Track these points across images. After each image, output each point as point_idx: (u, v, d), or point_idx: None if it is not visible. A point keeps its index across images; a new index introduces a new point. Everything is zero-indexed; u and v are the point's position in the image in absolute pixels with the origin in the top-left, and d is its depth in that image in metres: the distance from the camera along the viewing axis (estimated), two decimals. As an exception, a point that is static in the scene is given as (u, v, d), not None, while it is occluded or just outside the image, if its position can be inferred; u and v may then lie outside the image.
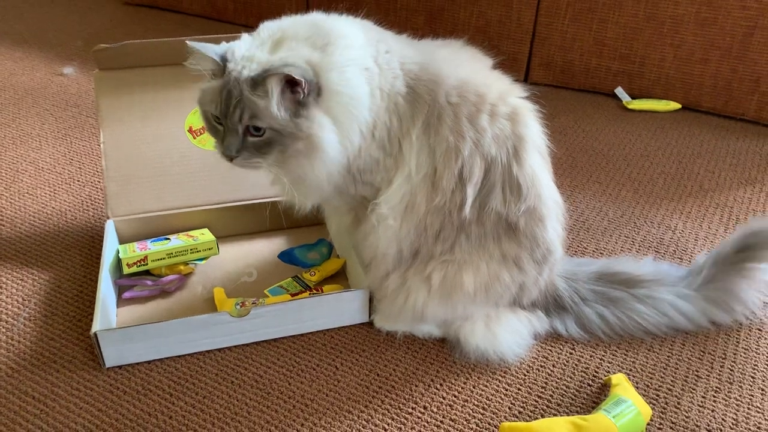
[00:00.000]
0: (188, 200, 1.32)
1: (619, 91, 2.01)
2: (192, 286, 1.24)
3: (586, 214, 1.49)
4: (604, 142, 1.79)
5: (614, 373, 1.08)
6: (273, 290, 1.21)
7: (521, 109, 1.02)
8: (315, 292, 1.19)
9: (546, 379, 1.07)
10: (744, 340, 1.14)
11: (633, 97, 2.01)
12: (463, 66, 1.03)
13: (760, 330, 1.16)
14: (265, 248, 1.33)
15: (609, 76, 2.03)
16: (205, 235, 1.27)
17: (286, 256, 1.27)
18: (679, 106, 1.96)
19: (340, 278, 1.26)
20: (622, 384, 1.02)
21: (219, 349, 1.10)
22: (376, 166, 1.02)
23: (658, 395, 1.05)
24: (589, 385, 1.06)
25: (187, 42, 0.95)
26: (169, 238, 1.26)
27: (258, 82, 0.91)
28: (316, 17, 1.02)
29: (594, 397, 1.04)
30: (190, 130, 1.33)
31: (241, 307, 1.11)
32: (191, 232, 1.29)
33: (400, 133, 1.00)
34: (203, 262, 1.26)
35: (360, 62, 0.97)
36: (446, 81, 0.99)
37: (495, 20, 2.09)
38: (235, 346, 1.11)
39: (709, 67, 1.89)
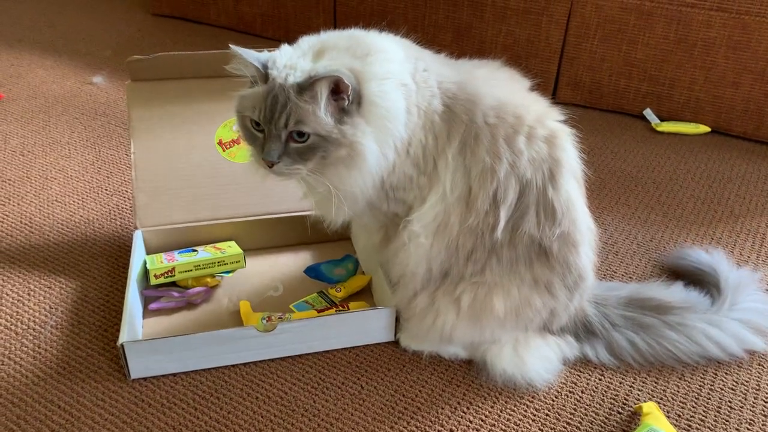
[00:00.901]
0: (216, 212, 1.32)
1: (648, 113, 1.99)
2: (218, 299, 1.24)
3: (614, 237, 1.47)
4: (632, 164, 1.77)
5: (645, 401, 1.06)
6: (298, 305, 1.20)
7: (559, 132, 1.01)
8: (340, 308, 1.18)
9: (575, 405, 1.05)
10: (778, 371, 1.12)
11: (662, 120, 1.99)
12: (501, 87, 1.02)
13: (795, 361, 1.14)
14: (291, 262, 1.33)
15: (638, 97, 2.01)
16: (232, 248, 1.27)
17: (312, 272, 1.26)
18: (709, 129, 1.94)
19: (365, 295, 1.25)
20: (653, 413, 1.00)
21: (244, 364, 1.10)
22: (409, 184, 1.01)
23: (690, 426, 1.02)
24: (619, 412, 1.04)
25: (231, 46, 0.96)
26: (196, 250, 1.26)
27: (304, 87, 0.91)
28: (356, 32, 1.02)
29: (624, 425, 1.02)
30: (219, 143, 1.34)
31: (267, 321, 1.10)
32: (218, 245, 1.29)
33: (435, 151, 0.99)
34: (230, 275, 1.26)
35: (398, 77, 0.97)
36: (484, 101, 0.99)
37: (523, 39, 2.09)
38: (260, 361, 1.10)
39: (741, 91, 1.86)
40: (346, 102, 0.93)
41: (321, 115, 0.92)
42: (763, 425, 1.02)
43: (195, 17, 2.67)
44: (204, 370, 1.08)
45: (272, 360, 1.11)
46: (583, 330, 1.13)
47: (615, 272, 1.36)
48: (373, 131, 0.95)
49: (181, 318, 1.19)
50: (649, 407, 1.01)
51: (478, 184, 0.98)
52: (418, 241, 1.01)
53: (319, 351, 1.12)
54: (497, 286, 1.02)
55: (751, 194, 1.65)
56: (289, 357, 1.11)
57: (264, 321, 1.11)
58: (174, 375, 1.07)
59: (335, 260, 1.29)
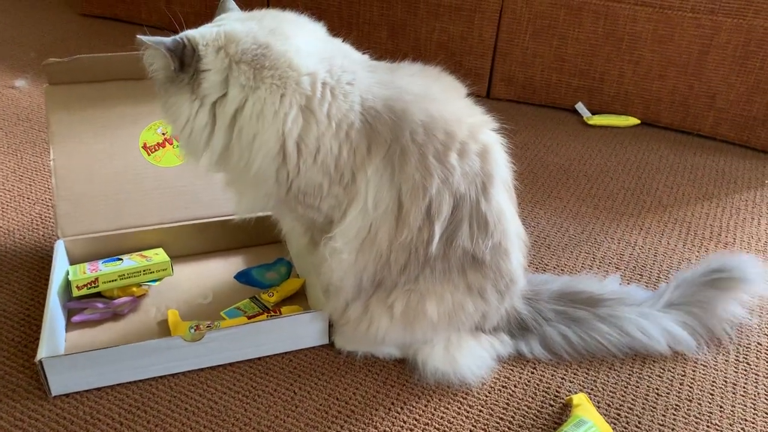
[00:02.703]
0: (142, 219, 1.28)
1: (580, 107, 2.03)
2: (145, 309, 1.20)
3: (546, 230, 1.49)
4: (564, 158, 1.80)
5: (576, 392, 1.07)
6: (230, 312, 1.17)
7: (491, 146, 1.01)
8: (273, 313, 1.16)
9: (507, 399, 1.06)
10: (702, 356, 1.15)
11: (593, 113, 2.03)
12: (434, 102, 0.99)
13: (717, 347, 1.17)
14: (221, 268, 1.30)
15: (569, 91, 2.05)
16: (159, 256, 1.23)
17: (243, 277, 1.23)
18: (638, 121, 1.99)
19: (299, 298, 1.24)
20: (583, 404, 1.01)
21: (172, 375, 1.06)
22: (319, 191, 0.99)
23: (619, 414, 1.04)
24: (551, 405, 1.05)
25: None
26: (121, 259, 1.22)
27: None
28: (284, 48, 0.96)
29: (556, 417, 1.03)
30: (144, 147, 1.30)
31: (195, 330, 1.08)
32: (145, 253, 1.25)
33: (353, 165, 0.97)
34: (157, 283, 1.23)
35: (293, 87, 0.95)
36: (412, 120, 0.96)
37: (457, 36, 2.10)
38: (189, 371, 1.07)
39: (667, 83, 1.92)
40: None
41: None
42: (687, 410, 1.05)
43: (125, 17, 2.59)
44: (130, 383, 1.05)
45: (202, 369, 1.08)
46: (516, 327, 1.14)
47: (547, 265, 1.38)
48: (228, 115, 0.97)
49: (107, 330, 1.15)
50: (579, 399, 1.03)
51: (410, 200, 0.97)
52: (341, 257, 1.00)
53: (251, 358, 1.10)
54: (430, 292, 1.02)
55: (678, 184, 1.70)
56: (219, 366, 1.09)
57: (192, 330, 1.08)
58: (98, 389, 1.03)
59: (267, 264, 1.27)
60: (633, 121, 1.98)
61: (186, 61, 0.96)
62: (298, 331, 1.11)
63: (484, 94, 2.16)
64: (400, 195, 0.97)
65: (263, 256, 1.33)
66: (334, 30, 1.07)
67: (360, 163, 0.97)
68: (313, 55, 0.98)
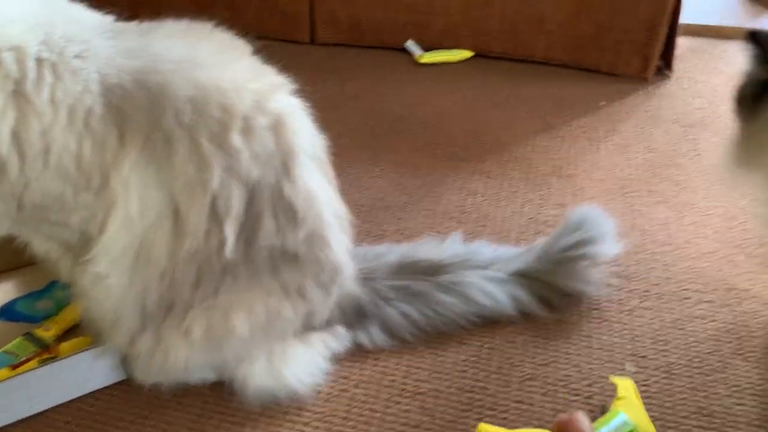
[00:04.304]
0: None
1: (410, 45, 1.88)
2: None
3: (384, 189, 1.34)
4: (398, 105, 1.65)
5: (427, 379, 0.94)
6: (-3, 359, 0.93)
7: (286, 114, 0.82)
8: (48, 355, 0.93)
9: (348, 405, 0.91)
10: (554, 314, 1.05)
11: (425, 50, 1.88)
12: (203, 68, 0.79)
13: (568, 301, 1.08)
14: (-19, 303, 1.04)
15: (397, 29, 1.89)
16: None
17: (6, 314, 0.99)
18: (471, 54, 1.87)
19: (90, 325, 1.01)
20: (628, 397, 0.87)
21: None
22: (61, 203, 0.77)
23: (472, 399, 0.92)
24: (397, 402, 0.92)
25: None
26: None
27: None
28: None
29: (402, 415, 0.90)
30: None
31: (-63, 400, 0.83)
32: None
33: (101, 163, 0.75)
34: None
35: None
36: (175, 95, 0.76)
37: (266, -23, 1.86)
38: (-62, 455, 0.84)
39: (495, 10, 1.80)
40: None
41: None
42: (545, 378, 0.95)
43: None
44: None
45: (-43, 448, 0.85)
46: (353, 314, 0.99)
47: (386, 231, 1.24)
48: None
49: None
50: (626, 389, 0.88)
51: (187, 200, 0.77)
52: (107, 282, 0.79)
53: (23, 418, 0.87)
54: (235, 304, 0.84)
55: (514, 119, 1.60)
56: (-20, 437, 0.86)
57: (-68, 400, 0.84)
58: None
59: (37, 291, 1.02)
60: (465, 54, 1.87)
61: None
62: (84, 372, 0.89)
63: (308, 40, 1.95)
64: (172, 195, 0.77)
65: (33, 280, 1.07)
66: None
67: (111, 159, 0.76)
68: (17, 22, 0.73)
